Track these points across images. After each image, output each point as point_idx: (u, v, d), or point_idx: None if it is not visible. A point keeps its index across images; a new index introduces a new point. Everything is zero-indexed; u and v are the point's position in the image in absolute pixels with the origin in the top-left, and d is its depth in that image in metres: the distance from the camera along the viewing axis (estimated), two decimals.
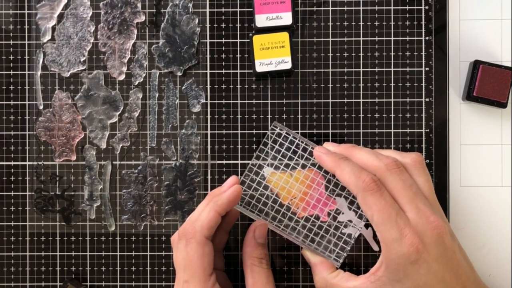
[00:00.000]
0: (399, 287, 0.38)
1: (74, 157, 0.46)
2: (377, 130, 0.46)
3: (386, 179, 0.40)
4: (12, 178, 0.46)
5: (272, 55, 0.44)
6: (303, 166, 0.44)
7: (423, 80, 0.46)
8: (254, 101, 0.46)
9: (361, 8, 0.46)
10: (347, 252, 0.43)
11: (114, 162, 0.46)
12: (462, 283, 0.38)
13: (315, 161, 0.43)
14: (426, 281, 0.37)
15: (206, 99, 0.46)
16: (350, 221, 0.43)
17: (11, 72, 0.46)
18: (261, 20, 0.44)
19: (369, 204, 0.39)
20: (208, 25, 0.46)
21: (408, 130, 0.46)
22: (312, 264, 0.43)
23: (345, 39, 0.46)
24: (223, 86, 0.46)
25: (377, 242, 0.44)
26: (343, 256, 0.43)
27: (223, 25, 0.46)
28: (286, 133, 0.45)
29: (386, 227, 0.38)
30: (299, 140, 0.44)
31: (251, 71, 0.46)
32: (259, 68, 0.44)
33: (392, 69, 0.46)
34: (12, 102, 0.46)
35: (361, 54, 0.46)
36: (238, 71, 0.46)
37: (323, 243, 0.43)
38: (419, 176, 0.41)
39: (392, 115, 0.46)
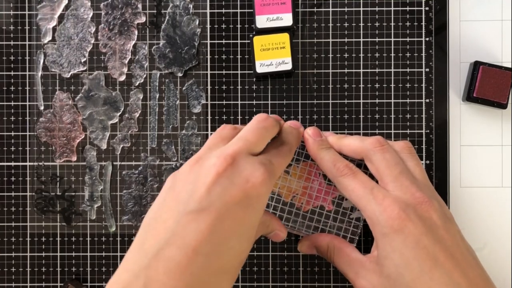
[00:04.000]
0: (387, 263, 0.36)
1: (74, 158, 0.46)
2: (377, 131, 0.46)
3: (371, 159, 0.39)
4: (13, 178, 0.46)
5: (272, 56, 0.44)
6: (297, 161, 0.44)
7: (423, 81, 0.46)
8: (254, 102, 0.46)
9: (361, 9, 0.46)
10: (358, 235, 0.43)
11: (114, 163, 0.46)
12: (461, 269, 0.35)
13: (306, 152, 0.43)
14: (415, 256, 0.35)
15: (207, 100, 0.46)
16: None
17: (12, 73, 0.46)
18: (261, 21, 0.44)
19: (344, 187, 0.38)
20: (208, 26, 0.46)
21: (408, 131, 0.46)
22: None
23: (345, 40, 0.46)
24: (224, 87, 0.46)
25: None
26: (355, 240, 0.43)
27: (223, 26, 0.46)
28: None
29: (363, 201, 0.37)
30: None
31: (252, 72, 0.46)
32: (260, 69, 0.44)
33: (392, 70, 0.46)
34: (12, 103, 0.46)
35: (361, 55, 0.46)
36: (239, 72, 0.46)
37: (333, 231, 0.43)
38: (407, 161, 0.39)
39: (392, 116, 0.46)
